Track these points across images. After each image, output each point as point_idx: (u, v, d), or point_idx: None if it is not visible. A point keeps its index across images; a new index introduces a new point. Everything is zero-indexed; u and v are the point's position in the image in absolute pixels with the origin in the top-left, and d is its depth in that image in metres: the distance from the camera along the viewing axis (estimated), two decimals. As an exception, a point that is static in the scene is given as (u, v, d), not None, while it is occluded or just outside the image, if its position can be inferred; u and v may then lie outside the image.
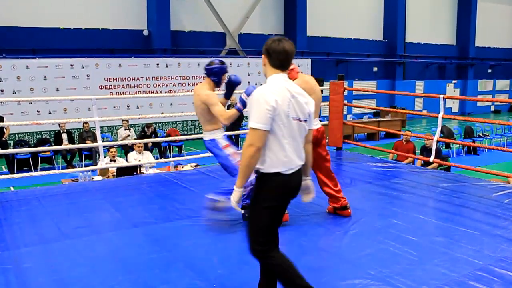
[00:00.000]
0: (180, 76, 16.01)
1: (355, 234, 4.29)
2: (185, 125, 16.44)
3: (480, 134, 16.10)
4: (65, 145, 11.88)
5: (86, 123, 12.49)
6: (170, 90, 15.65)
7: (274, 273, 2.83)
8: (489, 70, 27.97)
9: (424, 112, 20.37)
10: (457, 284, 3.30)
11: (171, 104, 15.41)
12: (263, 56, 2.86)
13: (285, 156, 2.74)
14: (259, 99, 2.68)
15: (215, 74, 4.47)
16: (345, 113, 9.27)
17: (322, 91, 6.52)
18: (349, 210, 4.73)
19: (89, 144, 11.13)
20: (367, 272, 3.46)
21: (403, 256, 3.75)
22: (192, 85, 16.19)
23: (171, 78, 15.94)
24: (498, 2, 27.82)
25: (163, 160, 10.72)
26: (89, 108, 12.97)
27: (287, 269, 2.76)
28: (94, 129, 7.51)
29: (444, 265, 3.57)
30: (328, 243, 4.08)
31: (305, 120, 2.82)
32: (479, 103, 26.50)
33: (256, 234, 2.79)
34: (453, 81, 26.10)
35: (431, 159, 7.06)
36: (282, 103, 2.69)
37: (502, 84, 28.56)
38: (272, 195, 2.76)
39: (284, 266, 2.76)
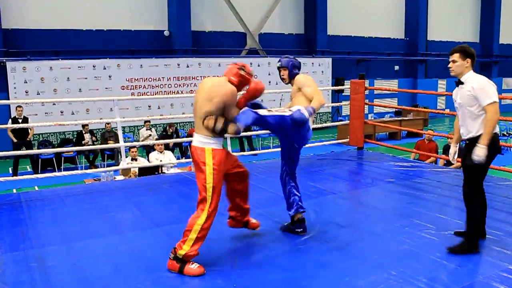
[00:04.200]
0: (201, 76, 16.06)
1: (377, 234, 4.25)
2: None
3: (505, 133, 15.80)
4: (88, 146, 12.03)
5: (108, 123, 12.65)
6: (191, 90, 15.70)
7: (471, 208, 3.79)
8: (514, 68, 27.44)
9: (447, 111, 20.01)
10: (481, 285, 3.25)
11: (192, 104, 15.50)
12: (464, 58, 3.76)
13: None
14: (487, 83, 3.83)
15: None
16: (366, 112, 9.20)
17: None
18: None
19: (111, 144, 11.27)
20: (388, 272, 3.43)
21: (426, 256, 3.71)
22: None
23: (192, 78, 16.04)
24: (523, -2, 27.27)
25: (184, 160, 10.77)
26: (111, 109, 13.10)
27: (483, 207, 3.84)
28: (116, 129, 7.58)
29: (468, 266, 3.52)
30: (349, 243, 4.05)
31: None
32: (503, 101, 25.99)
33: None
34: (477, 79, 25.62)
35: (454, 158, 6.95)
36: None
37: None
38: None
39: (482, 205, 3.81)
